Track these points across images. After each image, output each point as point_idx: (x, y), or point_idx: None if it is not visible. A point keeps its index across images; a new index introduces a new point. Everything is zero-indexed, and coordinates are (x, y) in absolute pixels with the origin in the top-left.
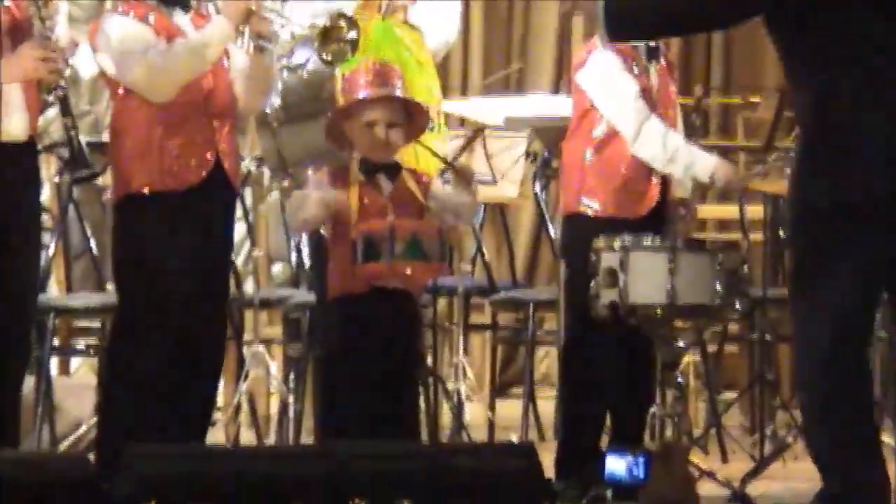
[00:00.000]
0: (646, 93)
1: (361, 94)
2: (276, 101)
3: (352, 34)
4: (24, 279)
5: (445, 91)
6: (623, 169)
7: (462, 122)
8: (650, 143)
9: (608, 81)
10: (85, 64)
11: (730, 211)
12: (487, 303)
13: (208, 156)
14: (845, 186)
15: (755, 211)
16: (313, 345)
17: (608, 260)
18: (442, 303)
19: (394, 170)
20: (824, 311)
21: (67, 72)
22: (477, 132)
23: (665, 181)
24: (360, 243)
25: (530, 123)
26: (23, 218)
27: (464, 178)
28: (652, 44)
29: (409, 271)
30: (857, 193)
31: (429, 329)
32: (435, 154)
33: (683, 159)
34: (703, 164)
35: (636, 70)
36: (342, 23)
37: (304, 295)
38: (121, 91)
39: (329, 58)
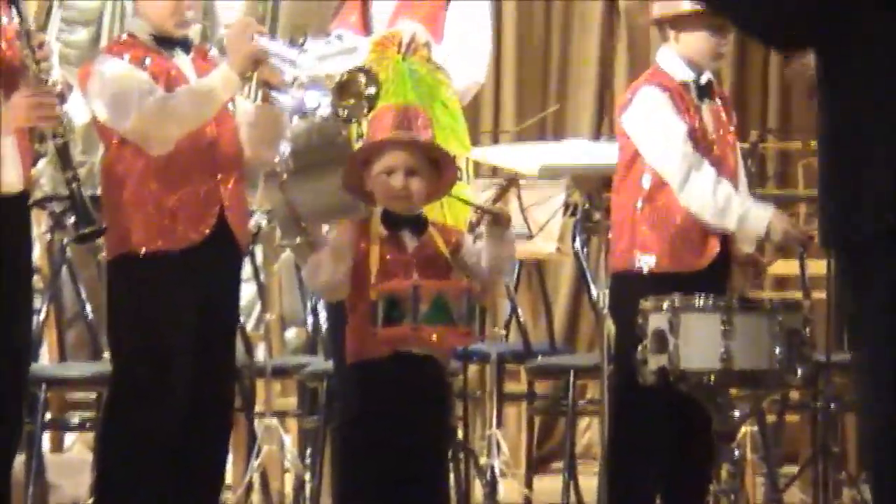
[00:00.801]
0: (697, 134)
1: (379, 137)
2: (285, 149)
3: (370, 90)
4: (15, 346)
5: (475, 137)
6: (678, 219)
7: (494, 171)
8: (699, 193)
9: (653, 122)
10: (78, 110)
11: (789, 267)
12: (523, 369)
13: (211, 211)
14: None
15: (817, 267)
16: (331, 416)
17: (656, 322)
18: (473, 370)
19: (420, 224)
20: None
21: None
22: (510, 182)
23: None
24: (382, 305)
25: (569, 172)
26: (15, 278)
27: (499, 223)
28: (704, 79)
29: (434, 336)
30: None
31: (459, 399)
32: (465, 201)
33: (736, 211)
34: (757, 216)
35: (686, 108)
36: (361, 77)
37: (320, 362)
38: (115, 140)
39: (345, 114)
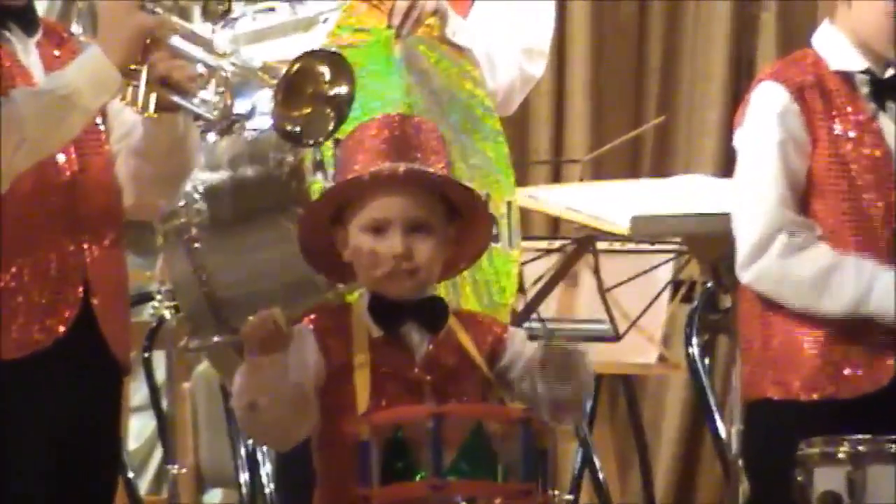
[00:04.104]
0: (859, 163)
1: (359, 171)
2: (197, 189)
3: (339, 89)
4: None
5: (522, 170)
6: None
7: (554, 225)
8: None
9: (750, 143)
10: None
11: None
12: None
13: (69, 296)
14: None
15: None
16: None
17: (827, 479)
18: None
19: (433, 314)
20: None
21: None
22: (581, 245)
23: None
24: (379, 448)
25: (680, 229)
26: None
27: (563, 366)
28: (891, 71)
29: (468, 496)
30: None
31: None
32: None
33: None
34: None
35: (844, 119)
36: (322, 68)
37: None
38: None
39: (296, 129)
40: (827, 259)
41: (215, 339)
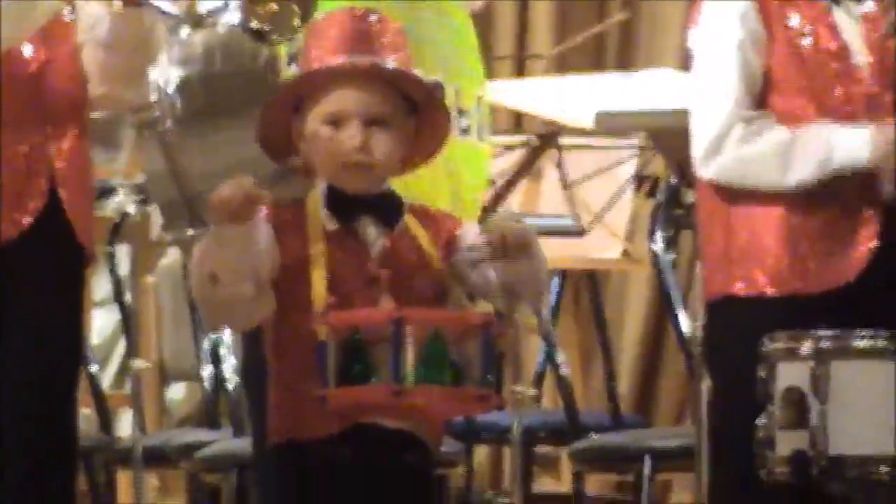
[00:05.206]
0: (828, 63)
1: (317, 65)
2: (169, 81)
3: None
4: None
5: (491, 66)
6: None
7: (517, 121)
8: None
9: (708, 42)
10: None
11: None
12: (566, 455)
13: (34, 188)
14: None
15: None
16: None
17: (790, 375)
18: (483, 455)
19: (389, 209)
20: None
21: None
22: (546, 141)
23: (891, 216)
24: (336, 350)
25: (644, 125)
26: None
27: (514, 250)
28: None
29: (425, 401)
30: None
31: None
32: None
33: (808, 151)
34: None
35: (801, 15)
36: None
37: (226, 442)
38: None
39: (262, 27)
40: (785, 133)
41: (189, 232)
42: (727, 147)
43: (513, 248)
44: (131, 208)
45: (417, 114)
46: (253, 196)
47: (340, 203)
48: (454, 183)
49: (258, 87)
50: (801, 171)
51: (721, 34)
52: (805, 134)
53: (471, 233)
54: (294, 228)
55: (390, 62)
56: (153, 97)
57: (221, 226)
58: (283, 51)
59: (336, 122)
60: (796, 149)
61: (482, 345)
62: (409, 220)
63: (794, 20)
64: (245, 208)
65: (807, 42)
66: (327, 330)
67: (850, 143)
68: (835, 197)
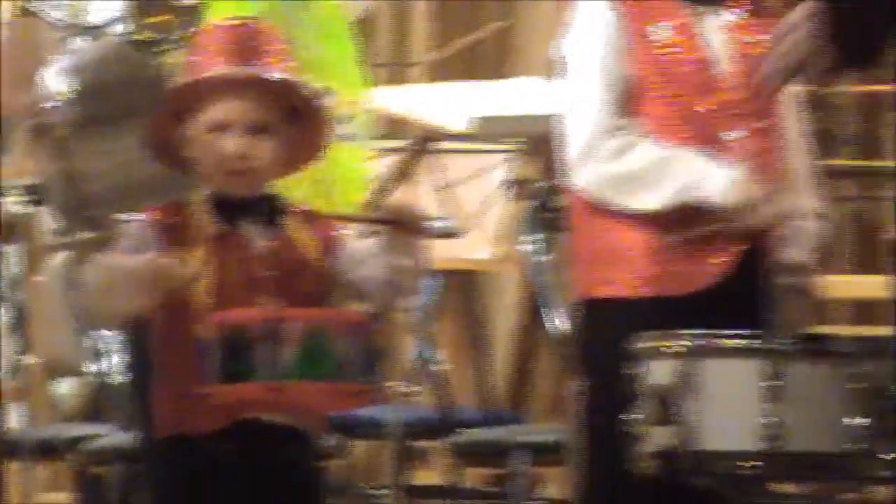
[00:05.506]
0: (693, 73)
1: (202, 75)
2: (63, 87)
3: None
4: None
5: (371, 73)
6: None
7: (395, 126)
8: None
9: (575, 56)
10: None
11: (875, 285)
12: (441, 448)
13: None
14: None
15: None
16: None
17: (658, 373)
18: (361, 450)
19: (272, 212)
20: None
21: None
22: (422, 145)
23: (758, 227)
24: (217, 347)
25: (516, 130)
26: None
27: (405, 232)
28: None
29: (306, 397)
30: None
31: (337, 495)
32: (341, 216)
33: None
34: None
35: (665, 33)
36: None
37: (112, 436)
38: None
39: (152, 35)
40: (654, 153)
41: (82, 234)
42: (599, 157)
43: (403, 225)
44: (16, 207)
45: (300, 120)
46: (177, 280)
47: (224, 206)
48: (334, 186)
49: (148, 94)
50: (664, 197)
51: (588, 44)
52: (672, 160)
53: (350, 234)
54: (178, 230)
55: (273, 71)
56: (48, 103)
57: (130, 268)
58: (172, 59)
59: (219, 129)
60: (663, 173)
61: (361, 342)
62: (291, 222)
63: (660, 30)
64: (167, 284)
65: (673, 51)
66: (210, 330)
67: (716, 182)
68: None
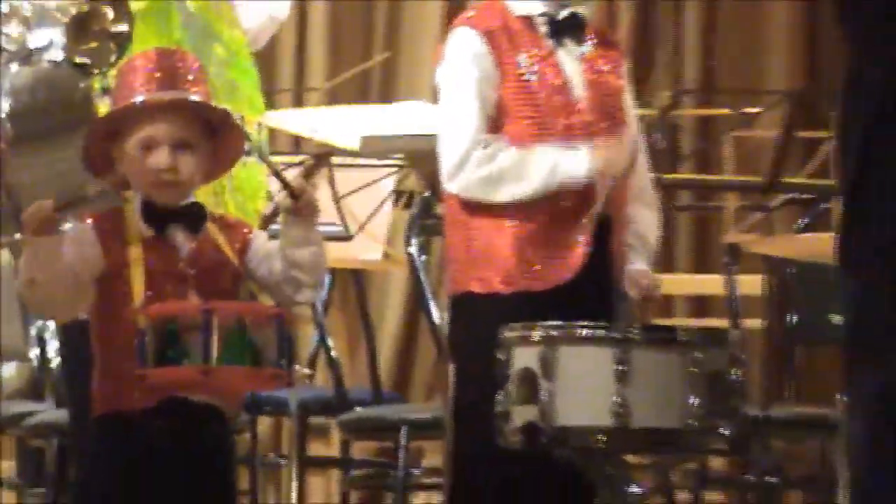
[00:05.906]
0: (551, 96)
1: (132, 98)
2: (2, 105)
3: (119, 27)
4: None
5: (270, 97)
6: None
7: (296, 143)
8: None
9: (448, 78)
10: None
11: (713, 284)
12: (335, 424)
13: None
14: None
15: (750, 284)
16: (64, 488)
17: (523, 358)
18: (266, 425)
19: (194, 218)
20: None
21: None
22: (319, 160)
23: (605, 226)
24: (153, 337)
25: (401, 147)
26: None
27: (303, 207)
28: (565, 12)
29: (229, 380)
30: None
31: (245, 465)
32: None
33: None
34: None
35: (529, 55)
36: (105, 9)
37: (50, 412)
38: None
39: (83, 61)
40: (516, 154)
41: (17, 236)
42: (469, 167)
43: (307, 201)
44: None
45: (216, 136)
46: (49, 215)
47: (154, 213)
48: (238, 196)
49: (75, 114)
50: (531, 185)
51: (460, 72)
52: (533, 154)
53: (260, 238)
54: (115, 234)
55: (193, 94)
56: None
57: (31, 238)
58: (97, 84)
59: (148, 146)
60: (527, 166)
61: (277, 331)
62: (210, 226)
63: (522, 59)
64: (45, 224)
65: (533, 78)
66: (146, 319)
67: (571, 161)
68: (555, 209)
